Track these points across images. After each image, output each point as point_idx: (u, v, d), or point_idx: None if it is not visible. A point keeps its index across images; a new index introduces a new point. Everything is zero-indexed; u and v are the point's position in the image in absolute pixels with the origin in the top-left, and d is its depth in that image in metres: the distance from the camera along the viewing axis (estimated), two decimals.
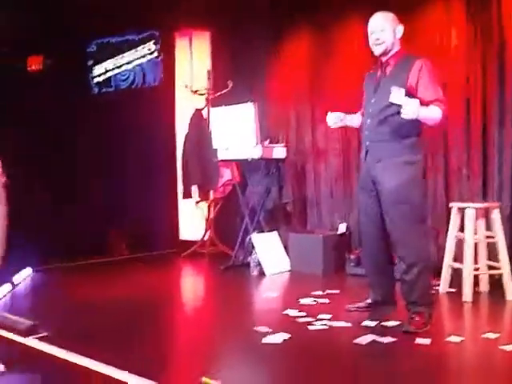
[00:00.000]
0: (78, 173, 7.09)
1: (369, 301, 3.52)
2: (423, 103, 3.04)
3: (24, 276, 4.79)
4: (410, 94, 3.07)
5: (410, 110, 2.94)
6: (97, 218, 6.77)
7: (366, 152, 3.30)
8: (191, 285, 5.18)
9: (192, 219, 6.37)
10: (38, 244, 5.05)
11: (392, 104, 3.06)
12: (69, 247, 5.90)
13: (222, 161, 5.62)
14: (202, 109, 6.00)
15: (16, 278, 4.55)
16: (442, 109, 3.09)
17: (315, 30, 5.48)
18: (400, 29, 3.25)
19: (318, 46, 5.43)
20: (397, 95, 3.01)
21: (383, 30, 3.21)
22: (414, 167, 3.18)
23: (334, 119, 3.47)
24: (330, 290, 4.17)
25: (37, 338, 2.91)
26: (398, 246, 3.24)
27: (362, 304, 3.55)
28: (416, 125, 3.15)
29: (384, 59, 3.26)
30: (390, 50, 3.23)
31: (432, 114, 3.08)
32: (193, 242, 6.08)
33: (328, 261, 4.90)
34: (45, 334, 2.99)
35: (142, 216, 6.53)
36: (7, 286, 4.28)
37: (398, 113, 3.03)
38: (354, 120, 3.60)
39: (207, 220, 6.05)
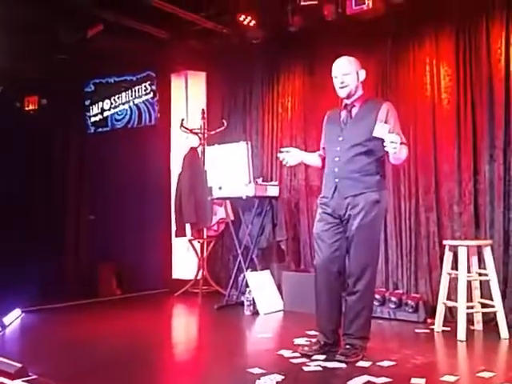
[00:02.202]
0: (70, 212, 7.10)
1: (322, 343, 3.46)
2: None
3: (13, 317, 4.70)
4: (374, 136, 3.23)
5: (395, 144, 3.06)
6: (88, 257, 6.76)
7: (335, 189, 3.40)
8: (184, 325, 5.11)
9: (185, 258, 6.34)
10: (27, 285, 5.00)
11: (367, 141, 3.25)
12: (59, 288, 5.86)
13: (216, 199, 5.64)
14: (197, 147, 6.06)
15: (5, 320, 4.47)
16: (407, 150, 3.34)
17: (308, 69, 5.61)
18: (362, 72, 3.44)
19: (312, 85, 5.55)
20: (382, 129, 3.13)
21: (347, 74, 3.40)
22: (379, 205, 3.34)
23: (293, 156, 3.60)
24: None
25: (25, 381, 2.86)
26: (353, 278, 3.34)
27: (316, 346, 3.47)
28: (382, 163, 3.39)
29: (349, 101, 3.44)
30: (354, 93, 3.41)
31: (402, 153, 3.25)
32: (186, 281, 6.03)
33: None
34: (33, 376, 2.94)
35: (135, 255, 6.50)
36: None
37: (366, 152, 3.29)
38: (313, 159, 3.75)
39: (200, 259, 6.03)
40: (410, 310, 4.45)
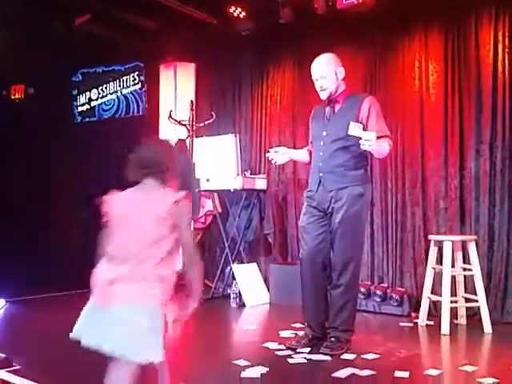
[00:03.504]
0: (54, 202, 7.05)
1: (310, 336, 3.49)
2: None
3: None
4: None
5: (369, 141, 3.10)
6: (73, 247, 6.71)
7: (319, 183, 3.43)
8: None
9: None
10: (12, 275, 4.96)
11: (349, 136, 3.23)
12: (43, 278, 5.81)
13: (204, 191, 5.63)
14: (185, 139, 6.03)
15: None
16: (390, 144, 3.34)
17: (299, 62, 5.60)
18: (341, 70, 3.45)
19: (301, 79, 5.54)
20: (355, 129, 3.18)
21: (324, 77, 3.42)
22: (363, 199, 3.37)
23: (282, 155, 3.62)
24: None
25: (9, 371, 2.84)
26: (337, 272, 3.36)
27: (304, 340, 3.49)
28: (365, 157, 3.42)
29: (332, 97, 3.46)
30: (335, 92, 3.44)
31: (382, 147, 3.28)
32: None
33: None
34: (17, 366, 2.92)
35: None
36: None
37: (348, 146, 3.31)
38: (301, 155, 3.78)
39: None
40: (395, 304, 4.49)
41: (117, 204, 2.18)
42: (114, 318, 1.98)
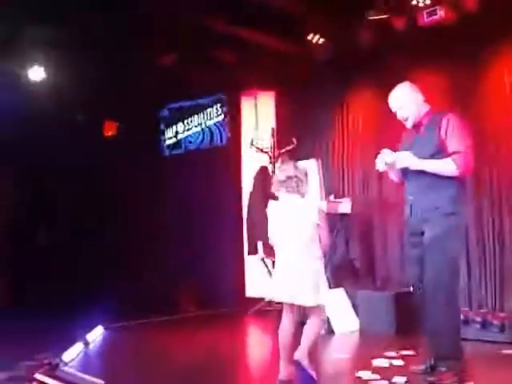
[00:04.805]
0: (148, 230, 7.35)
1: (432, 362, 3.33)
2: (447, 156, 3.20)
3: (96, 334, 4.89)
4: (442, 148, 3.22)
5: (400, 160, 3.23)
6: (165, 276, 6.93)
7: (411, 206, 3.37)
8: (257, 344, 5.10)
9: (258, 276, 6.35)
10: (108, 302, 5.21)
11: (438, 153, 3.21)
12: (138, 305, 6.04)
13: None
14: (267, 166, 6.11)
15: (88, 337, 4.65)
16: (460, 160, 3.18)
17: (379, 85, 5.49)
18: (418, 96, 3.40)
19: (383, 102, 5.42)
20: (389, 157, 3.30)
21: (402, 108, 3.40)
22: (452, 218, 3.21)
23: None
24: (404, 351, 3.96)
25: None
26: (431, 293, 3.21)
27: (423, 366, 3.36)
28: (452, 176, 3.22)
29: (415, 122, 3.41)
30: (418, 116, 3.38)
31: (440, 165, 3.21)
32: (259, 300, 6.03)
33: (400, 319, 4.70)
34: None
35: (209, 273, 6.60)
36: (80, 345, 4.37)
37: None
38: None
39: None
40: (496, 330, 4.20)
41: None
42: None
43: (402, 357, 3.83)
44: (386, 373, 3.42)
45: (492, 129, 4.64)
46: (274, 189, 3.32)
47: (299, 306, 3.25)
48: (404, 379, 3.25)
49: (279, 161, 3.34)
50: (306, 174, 3.31)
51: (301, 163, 5.39)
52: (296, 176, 3.24)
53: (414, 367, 3.44)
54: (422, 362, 3.44)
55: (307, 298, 3.12)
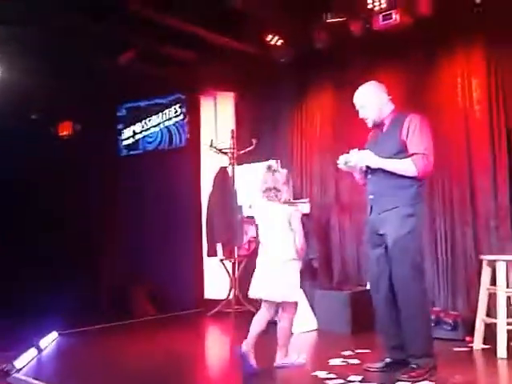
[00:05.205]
0: (104, 232, 7.21)
1: (388, 360, 3.42)
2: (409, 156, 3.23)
3: (50, 340, 4.75)
4: (404, 148, 3.26)
5: (361, 159, 3.29)
6: (121, 279, 6.82)
7: (371, 207, 3.41)
8: (217, 345, 5.08)
9: (217, 278, 6.33)
10: (63, 308, 5.07)
11: (400, 152, 3.25)
12: (94, 310, 5.92)
13: (247, 218, 5.63)
14: (227, 167, 6.09)
15: (41, 343, 4.51)
16: (419, 162, 3.21)
17: (338, 86, 5.59)
18: (383, 96, 3.43)
19: (341, 102, 5.52)
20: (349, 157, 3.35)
21: (363, 107, 3.45)
22: (412, 219, 3.25)
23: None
24: (359, 350, 4.02)
25: None
26: (400, 294, 3.27)
27: (381, 363, 3.44)
28: (413, 177, 3.26)
29: (378, 122, 3.45)
30: (380, 116, 3.42)
31: (400, 166, 3.24)
32: (218, 301, 6.01)
33: (356, 318, 4.77)
34: None
35: (167, 276, 6.53)
36: (33, 351, 4.22)
37: None
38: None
39: (232, 278, 6.00)
40: (448, 328, 4.31)
41: None
42: None
43: (358, 355, 3.88)
44: (342, 372, 3.44)
45: (444, 130, 4.75)
46: (258, 194, 3.70)
47: (275, 303, 3.62)
48: (360, 378, 3.29)
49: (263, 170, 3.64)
50: (285, 182, 3.64)
51: (260, 164, 5.44)
52: (274, 188, 3.60)
53: (370, 365, 3.49)
54: (378, 359, 3.50)
55: (284, 295, 3.56)
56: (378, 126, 3.47)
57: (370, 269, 3.50)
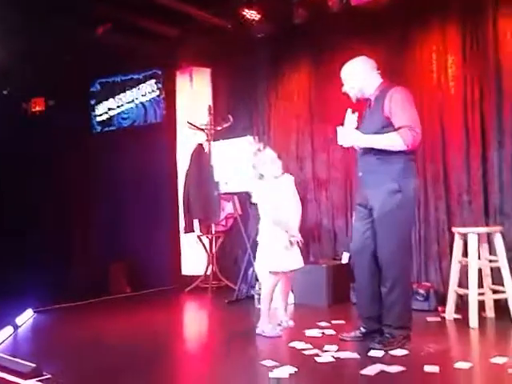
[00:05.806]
0: (78, 212, 7.14)
1: (363, 330, 3.53)
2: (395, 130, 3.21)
3: (25, 318, 4.72)
4: (389, 122, 3.25)
5: (341, 138, 3.27)
6: (97, 256, 6.79)
7: (360, 182, 3.49)
8: (195, 320, 5.13)
9: (194, 254, 6.35)
10: (39, 286, 5.02)
11: (385, 126, 3.25)
12: (70, 288, 5.88)
13: (224, 194, 5.64)
14: (203, 143, 6.07)
15: (17, 320, 4.48)
16: (406, 134, 3.19)
17: (315, 62, 5.59)
18: (369, 72, 3.41)
19: (318, 79, 5.53)
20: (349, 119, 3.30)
21: (346, 82, 3.46)
22: (401, 194, 3.26)
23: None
24: (335, 321, 4.13)
25: (40, 381, 2.87)
26: (383, 267, 3.34)
27: (356, 333, 3.55)
28: (400, 151, 3.25)
29: (365, 96, 3.46)
30: (364, 92, 3.43)
31: (387, 141, 3.23)
32: (195, 277, 6.04)
33: (332, 291, 4.87)
34: (47, 376, 2.95)
35: (144, 253, 6.52)
36: (9, 329, 4.21)
37: None
38: None
39: (209, 254, 6.03)
40: (421, 299, 4.43)
41: None
42: None
43: (334, 326, 3.98)
44: (318, 342, 3.54)
45: (420, 106, 4.78)
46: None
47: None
48: (335, 347, 3.38)
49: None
50: (268, 161, 3.98)
51: (237, 140, 5.42)
52: (260, 174, 4.00)
53: (345, 335, 3.59)
54: (353, 329, 3.60)
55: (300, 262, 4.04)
56: (366, 100, 3.47)
57: (353, 240, 3.53)
